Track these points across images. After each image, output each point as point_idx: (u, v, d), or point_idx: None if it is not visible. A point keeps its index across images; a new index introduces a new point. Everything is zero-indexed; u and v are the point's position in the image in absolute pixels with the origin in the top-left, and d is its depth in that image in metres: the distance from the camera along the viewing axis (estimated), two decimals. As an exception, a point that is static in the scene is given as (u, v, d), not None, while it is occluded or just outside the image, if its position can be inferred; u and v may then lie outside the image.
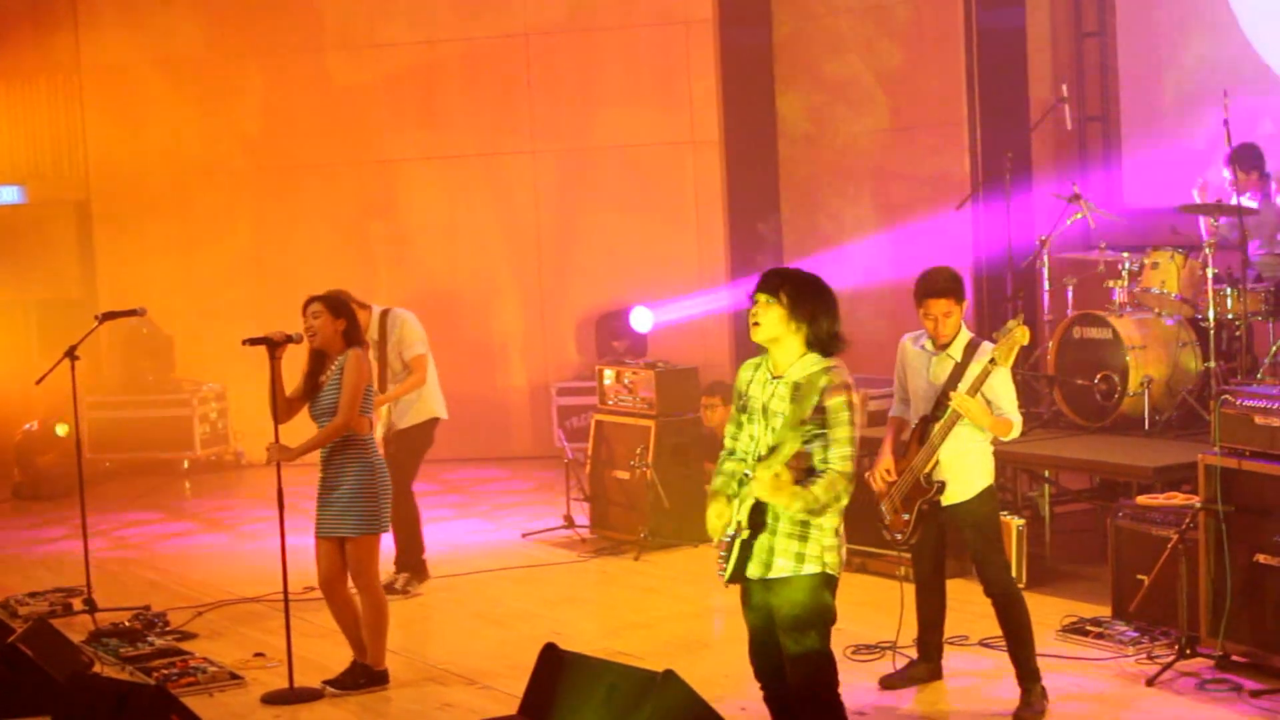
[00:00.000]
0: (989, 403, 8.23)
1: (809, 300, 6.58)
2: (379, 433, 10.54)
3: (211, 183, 16.90)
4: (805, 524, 6.54)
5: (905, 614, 8.72)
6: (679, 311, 15.91)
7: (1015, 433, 8.38)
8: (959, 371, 8.32)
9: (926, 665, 8.78)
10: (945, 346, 8.43)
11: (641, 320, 15.75)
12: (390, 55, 16.64)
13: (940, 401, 8.33)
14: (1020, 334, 8.10)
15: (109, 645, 9.93)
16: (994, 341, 8.25)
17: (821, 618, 6.63)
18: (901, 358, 8.71)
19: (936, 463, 8.32)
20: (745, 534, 6.58)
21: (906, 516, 8.41)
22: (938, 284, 8.40)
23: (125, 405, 16.57)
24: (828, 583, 6.63)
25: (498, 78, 16.51)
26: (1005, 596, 8.38)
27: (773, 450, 6.50)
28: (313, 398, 8.98)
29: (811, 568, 6.57)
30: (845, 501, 6.57)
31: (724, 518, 6.68)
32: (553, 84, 16.48)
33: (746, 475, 6.60)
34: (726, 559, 6.68)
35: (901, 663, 8.83)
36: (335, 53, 16.72)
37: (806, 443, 6.48)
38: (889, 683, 8.71)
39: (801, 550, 6.57)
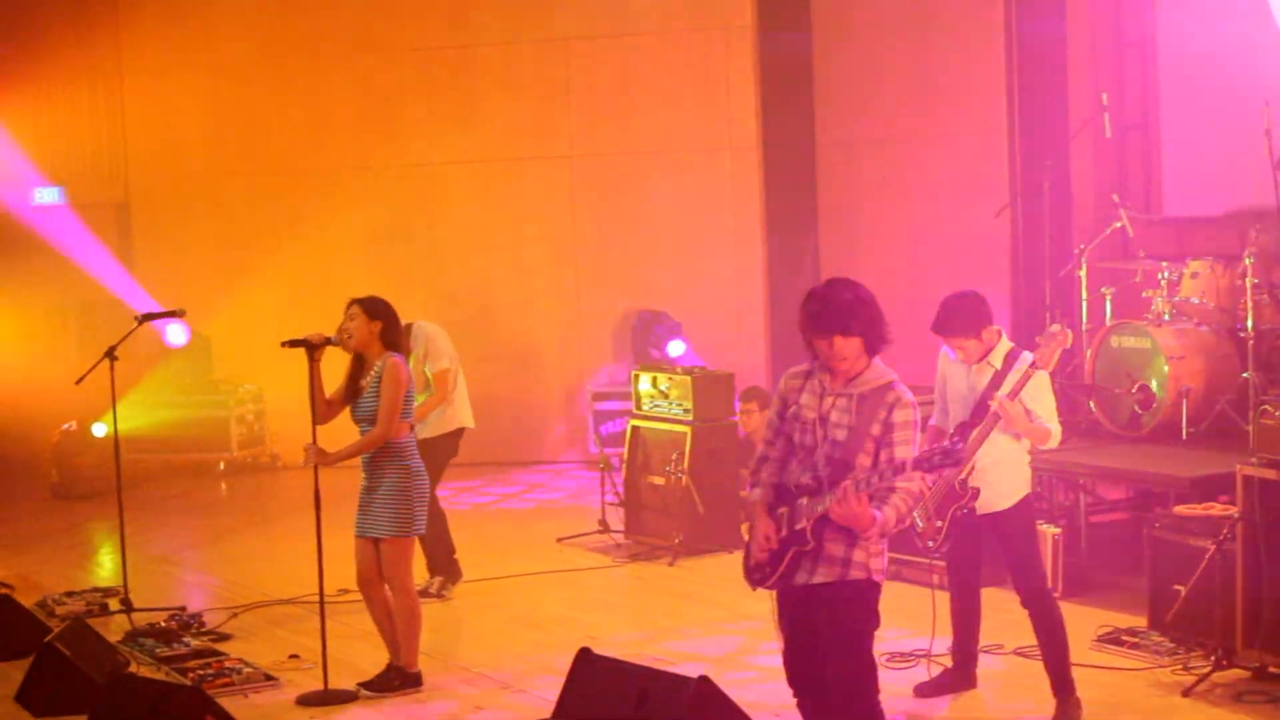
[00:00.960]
0: (1028, 411, 8.21)
1: (872, 321, 6.58)
2: None
3: (250, 185, 16.95)
4: (853, 530, 6.54)
5: (939, 622, 8.71)
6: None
7: (1054, 441, 8.37)
8: (999, 379, 8.31)
9: (961, 673, 8.77)
10: (984, 357, 8.42)
11: (677, 349, 15.69)
12: (430, 59, 16.67)
13: (979, 408, 8.32)
14: (1063, 337, 8.11)
15: (145, 645, 9.97)
16: (1034, 350, 8.24)
17: (867, 624, 6.64)
18: (942, 367, 8.70)
19: (972, 469, 8.31)
20: (810, 545, 6.56)
21: (940, 524, 8.40)
22: (948, 325, 8.47)
23: (163, 406, 16.62)
24: (873, 589, 6.64)
25: (537, 82, 16.53)
26: (1041, 606, 8.36)
27: (841, 465, 6.49)
28: (354, 402, 9.01)
29: (858, 574, 6.58)
30: (906, 524, 6.58)
31: (768, 533, 6.65)
32: (591, 89, 16.49)
33: (808, 486, 6.57)
34: (770, 566, 6.66)
35: (935, 671, 8.82)
36: (375, 55, 16.75)
37: (873, 457, 6.49)
38: (923, 691, 8.69)
39: (847, 556, 6.58)
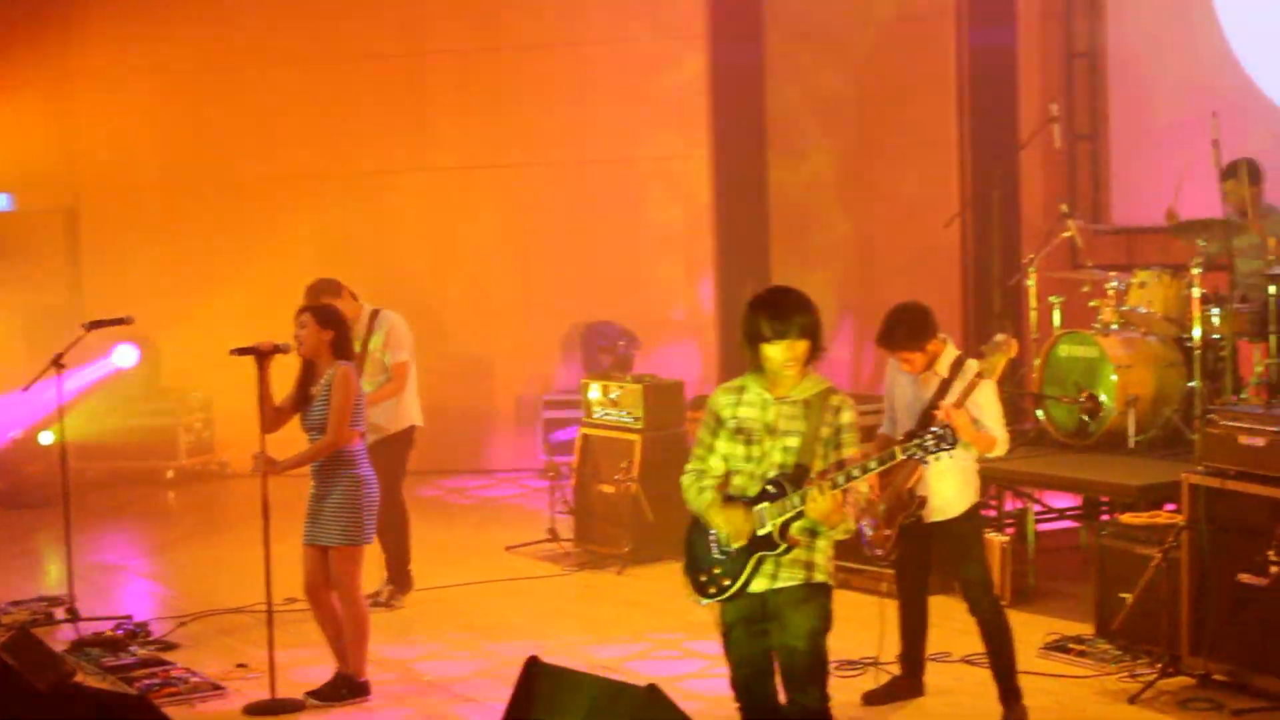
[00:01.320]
0: (974, 420, 8.24)
1: (818, 318, 6.64)
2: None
3: (201, 192, 16.88)
4: (813, 534, 6.61)
5: (887, 630, 8.72)
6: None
7: (1000, 450, 8.39)
8: (945, 387, 8.34)
9: (909, 681, 8.80)
10: (929, 366, 8.45)
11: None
12: (381, 67, 16.62)
13: (925, 417, 8.34)
14: (1008, 347, 8.14)
15: (91, 655, 9.92)
16: (980, 359, 8.28)
17: (826, 627, 6.71)
18: (890, 375, 8.73)
19: (920, 478, 8.33)
20: (782, 546, 6.58)
21: (888, 533, 8.42)
22: (892, 339, 8.46)
23: (110, 414, 16.51)
24: (829, 593, 6.73)
25: (488, 91, 16.50)
26: (988, 615, 8.39)
27: (797, 469, 6.55)
28: (303, 410, 8.99)
29: (819, 577, 6.67)
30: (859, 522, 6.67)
31: (743, 524, 6.63)
32: (544, 97, 16.47)
33: (769, 493, 6.59)
34: (730, 577, 6.67)
35: (884, 679, 8.83)
36: (326, 63, 16.69)
37: (825, 460, 6.57)
38: (872, 698, 8.71)
39: (810, 559, 6.65)
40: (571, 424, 13.80)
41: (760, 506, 6.60)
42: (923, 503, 8.34)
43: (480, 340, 16.52)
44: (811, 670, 6.67)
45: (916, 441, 6.52)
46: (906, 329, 8.41)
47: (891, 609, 8.82)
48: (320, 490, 8.97)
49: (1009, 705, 8.29)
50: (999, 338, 8.24)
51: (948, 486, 8.38)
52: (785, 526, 6.56)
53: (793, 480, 6.54)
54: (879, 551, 8.52)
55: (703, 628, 9.94)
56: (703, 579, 6.78)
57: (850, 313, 15.72)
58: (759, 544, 6.61)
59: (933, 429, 6.57)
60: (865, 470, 6.50)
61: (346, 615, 9.05)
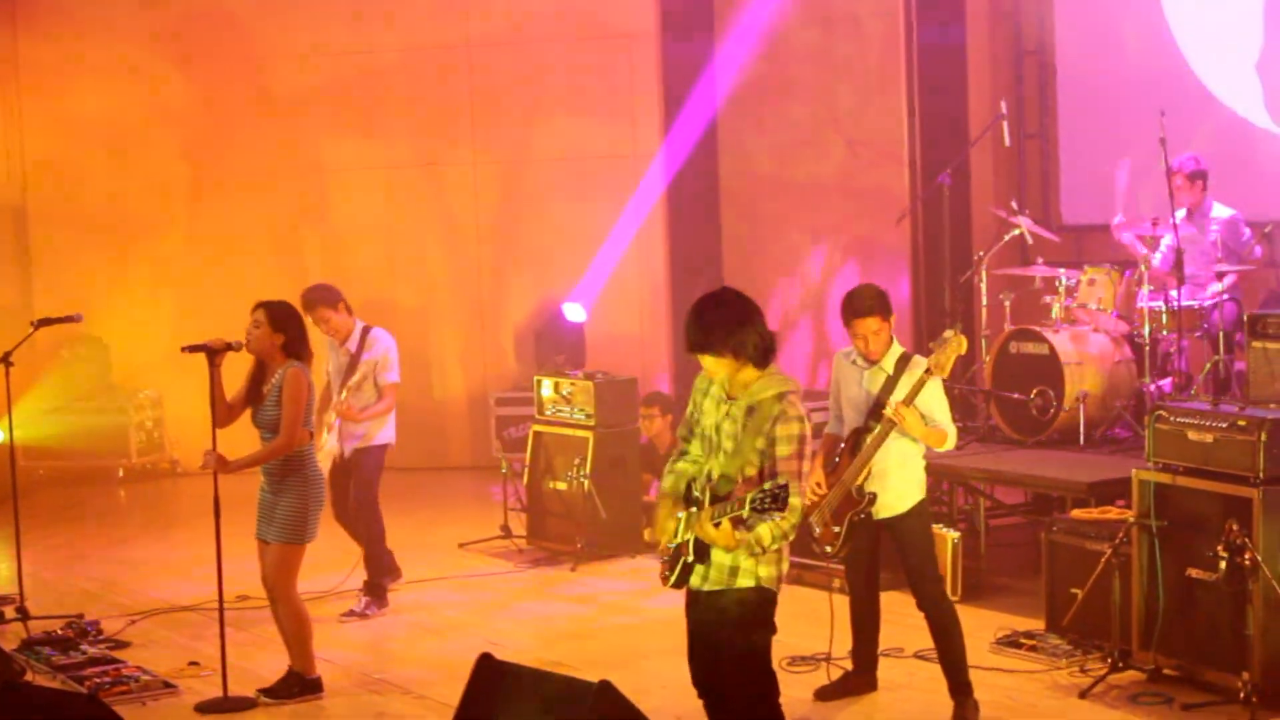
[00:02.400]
0: (923, 415, 8.28)
1: (738, 334, 6.49)
2: (327, 466, 10.51)
3: (150, 188, 16.80)
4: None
5: (839, 626, 8.76)
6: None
7: (950, 444, 8.45)
8: (891, 384, 8.37)
9: (861, 677, 8.83)
10: (876, 361, 8.48)
11: (575, 312, 15.65)
12: (331, 64, 16.58)
13: (873, 413, 8.38)
14: (957, 343, 8.17)
15: (41, 654, 9.87)
16: (927, 355, 8.31)
17: (758, 632, 6.65)
18: (836, 372, 8.76)
19: (868, 474, 8.36)
20: (690, 558, 6.59)
21: (837, 529, 8.44)
22: (863, 303, 8.44)
23: (60, 412, 16.42)
24: (761, 596, 6.62)
25: (439, 88, 16.48)
26: (938, 610, 8.44)
27: (724, 479, 6.53)
28: (255, 408, 8.95)
29: (745, 581, 6.59)
30: (791, 538, 6.59)
31: (673, 522, 6.68)
32: (494, 95, 16.45)
33: (696, 499, 6.61)
34: (668, 569, 6.71)
35: (836, 674, 8.86)
36: (275, 60, 16.64)
37: (758, 469, 6.51)
38: (824, 694, 8.74)
39: (735, 564, 6.59)
40: (524, 421, 13.78)
41: (691, 511, 6.63)
42: (872, 499, 8.37)
43: (432, 337, 16.51)
44: (742, 679, 6.64)
45: (756, 496, 6.25)
46: (873, 293, 8.44)
47: (843, 605, 8.86)
48: (272, 489, 8.94)
49: (959, 699, 8.33)
50: (948, 333, 8.27)
51: (896, 483, 8.42)
52: (698, 541, 6.57)
53: (715, 493, 6.54)
54: (828, 549, 8.54)
55: (657, 623, 9.99)
56: (664, 562, 6.80)
57: (800, 309, 15.76)
58: (681, 547, 6.65)
59: (766, 486, 6.28)
60: (738, 509, 6.31)
61: (283, 614, 9.02)
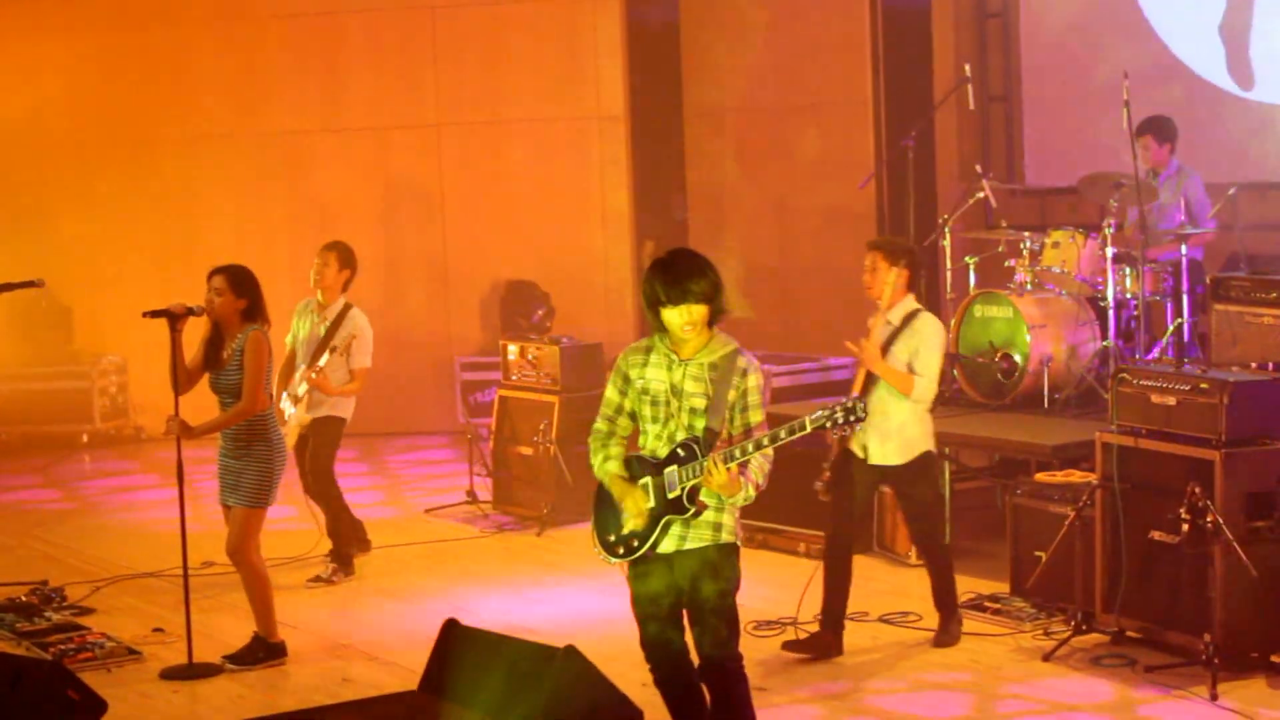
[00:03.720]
0: (911, 353, 8.61)
1: (717, 280, 6.63)
2: (292, 439, 10.49)
3: (114, 152, 16.70)
4: (720, 496, 6.62)
5: (806, 590, 8.78)
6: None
7: (916, 395, 8.59)
8: (894, 335, 8.69)
9: (829, 637, 8.84)
10: (886, 311, 8.77)
11: None
12: (294, 26, 16.49)
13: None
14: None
15: (4, 620, 9.84)
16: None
17: (734, 587, 6.76)
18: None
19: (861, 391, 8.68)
20: (690, 511, 6.62)
21: (824, 465, 8.63)
22: (880, 240, 9.15)
23: (23, 378, 16.36)
24: (737, 552, 6.78)
25: (402, 50, 16.41)
26: (932, 554, 8.93)
27: (707, 433, 6.57)
28: (215, 373, 8.92)
29: (727, 537, 6.71)
30: (763, 487, 6.68)
31: (644, 505, 6.69)
32: (458, 57, 16.39)
33: (679, 456, 6.61)
34: (639, 539, 6.70)
35: (802, 637, 8.88)
36: (238, 22, 16.54)
37: (731, 423, 6.61)
38: (791, 647, 8.74)
39: (718, 521, 6.69)
40: (489, 386, 13.76)
41: (670, 470, 6.63)
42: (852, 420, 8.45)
43: (396, 302, 16.45)
44: (721, 627, 6.70)
45: (825, 413, 6.52)
46: (889, 238, 9.45)
47: (808, 570, 8.90)
48: (233, 453, 8.90)
49: (946, 615, 8.80)
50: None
51: (890, 431, 8.61)
52: (694, 491, 6.59)
53: (703, 445, 6.57)
54: (817, 485, 8.67)
55: (622, 589, 10.00)
56: (611, 539, 6.82)
57: (764, 273, 15.76)
58: (667, 507, 6.65)
59: (843, 400, 6.56)
60: (773, 441, 6.50)
61: (245, 578, 9.00)
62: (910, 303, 8.78)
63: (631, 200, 16.35)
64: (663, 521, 6.66)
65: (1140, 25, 13.64)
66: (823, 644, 8.80)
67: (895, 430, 8.65)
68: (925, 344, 8.63)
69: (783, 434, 6.48)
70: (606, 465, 6.83)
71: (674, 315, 6.60)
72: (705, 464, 6.50)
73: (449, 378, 16.32)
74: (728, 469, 6.47)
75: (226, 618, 9.73)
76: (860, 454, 8.73)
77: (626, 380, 6.81)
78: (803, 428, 6.49)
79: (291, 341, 11.04)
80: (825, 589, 8.85)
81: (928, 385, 8.63)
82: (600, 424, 6.89)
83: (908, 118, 14.18)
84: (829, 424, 6.52)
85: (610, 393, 6.87)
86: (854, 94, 15.09)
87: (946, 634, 8.84)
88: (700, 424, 6.60)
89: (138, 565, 11.16)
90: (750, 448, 6.49)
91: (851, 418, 6.50)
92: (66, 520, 13.10)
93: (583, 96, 16.25)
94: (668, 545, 6.69)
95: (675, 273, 6.58)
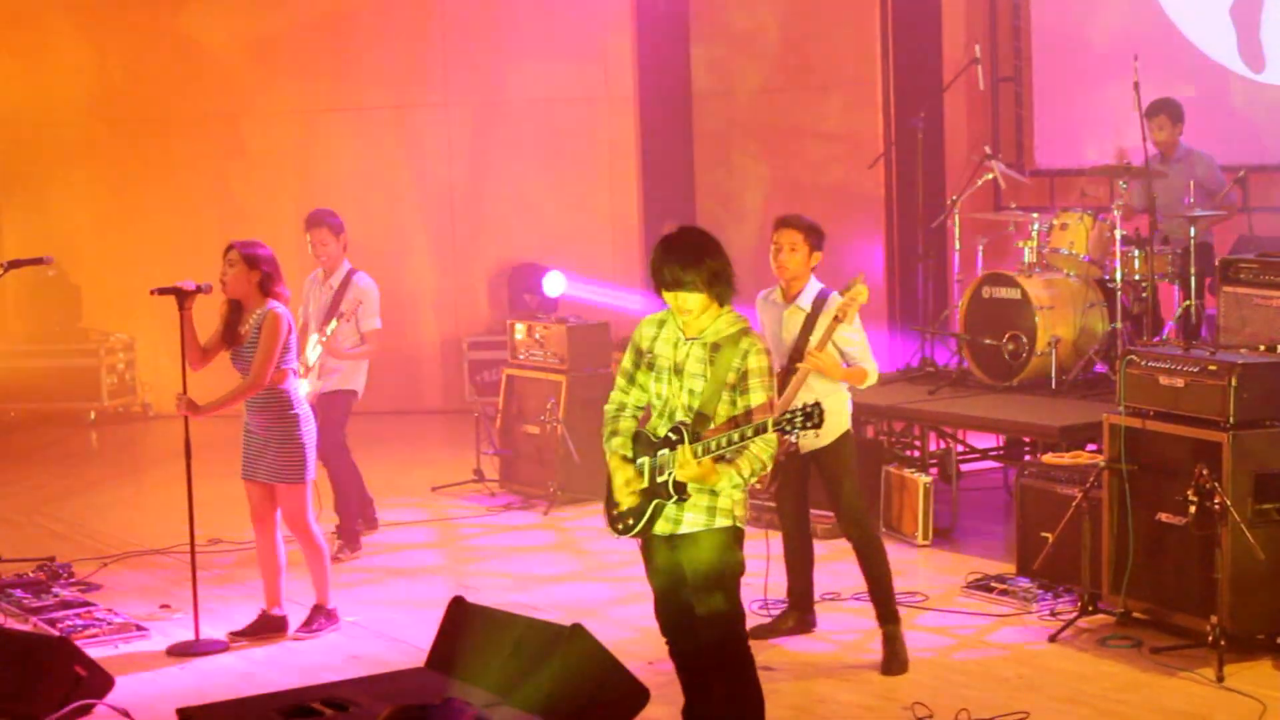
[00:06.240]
0: (842, 353, 8.31)
1: (714, 269, 6.54)
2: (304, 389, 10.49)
3: (121, 129, 16.70)
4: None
5: (769, 568, 8.74)
6: (594, 293, 15.86)
7: (871, 380, 8.53)
8: (810, 323, 8.43)
9: (796, 614, 8.82)
10: (794, 298, 8.52)
11: (554, 285, 15.70)
12: (303, 5, 16.48)
13: (793, 356, 8.41)
14: (859, 291, 8.23)
15: (12, 597, 9.85)
16: (841, 295, 8.32)
17: (732, 571, 6.68)
18: (760, 315, 8.73)
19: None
20: (674, 498, 6.58)
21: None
22: (792, 217, 8.58)
23: (31, 355, 16.38)
24: (736, 536, 6.68)
25: (409, 29, 16.39)
26: (862, 539, 8.48)
27: (700, 416, 6.53)
28: (235, 350, 8.91)
29: (722, 521, 6.63)
30: (770, 467, 6.61)
31: (634, 485, 6.68)
32: (465, 36, 16.38)
33: (670, 440, 6.58)
34: (633, 516, 6.69)
35: (770, 617, 8.87)
36: (248, 1, 16.54)
37: (731, 404, 6.53)
38: (759, 633, 8.65)
39: (713, 504, 6.61)
40: (497, 365, 13.76)
41: (663, 452, 6.61)
42: (797, 437, 8.36)
43: (405, 281, 16.44)
44: (715, 617, 6.65)
45: (786, 417, 6.42)
46: (802, 217, 8.58)
47: (820, 549, 8.90)
48: (258, 428, 8.89)
49: (888, 631, 8.32)
50: (852, 281, 8.30)
51: (829, 417, 8.48)
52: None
53: (689, 430, 6.53)
54: (758, 485, 8.58)
55: (628, 567, 10.01)
56: (614, 513, 6.79)
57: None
58: (657, 490, 6.63)
59: (801, 407, 6.43)
60: (738, 440, 6.41)
61: (305, 550, 9.08)
62: (814, 283, 8.55)
63: (640, 180, 16.32)
64: (653, 503, 6.64)
65: (1151, 7, 13.62)
66: (791, 623, 8.76)
67: (829, 414, 8.49)
68: (851, 335, 8.39)
69: (749, 431, 6.40)
70: (611, 441, 6.81)
71: (670, 299, 6.60)
72: (675, 455, 6.47)
73: (457, 356, 16.33)
74: (698, 461, 6.40)
75: (234, 594, 9.74)
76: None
77: (640, 353, 6.79)
78: (765, 429, 6.40)
79: (303, 314, 11.03)
80: (788, 572, 8.85)
81: (874, 368, 8.54)
82: (615, 394, 6.87)
83: (917, 98, 14.17)
84: (789, 428, 6.44)
85: (626, 363, 6.85)
86: (863, 74, 15.07)
87: (895, 659, 8.27)
88: (696, 406, 6.57)
89: (145, 542, 11.18)
90: (724, 441, 6.40)
91: (809, 423, 6.41)
92: (74, 497, 13.12)
93: (591, 76, 16.23)
94: (663, 527, 6.66)
95: (674, 258, 6.54)
